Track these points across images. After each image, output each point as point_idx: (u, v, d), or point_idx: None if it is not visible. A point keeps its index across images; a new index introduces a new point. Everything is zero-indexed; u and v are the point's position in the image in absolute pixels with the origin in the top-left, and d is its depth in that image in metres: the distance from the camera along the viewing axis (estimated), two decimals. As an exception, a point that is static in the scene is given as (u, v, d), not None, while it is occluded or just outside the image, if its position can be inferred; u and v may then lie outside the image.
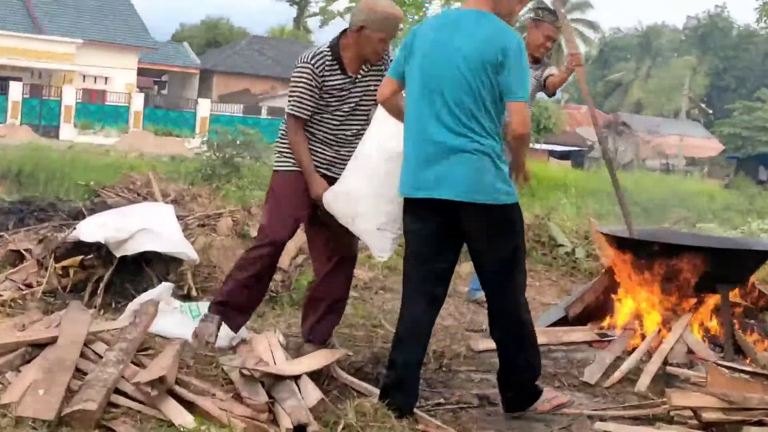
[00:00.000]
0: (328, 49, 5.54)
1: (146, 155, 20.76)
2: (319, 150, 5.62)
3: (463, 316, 7.62)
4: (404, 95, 4.97)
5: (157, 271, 6.87)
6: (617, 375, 5.85)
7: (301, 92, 5.48)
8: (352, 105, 5.61)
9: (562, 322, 6.91)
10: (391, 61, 5.56)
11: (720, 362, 5.57)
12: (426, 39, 4.78)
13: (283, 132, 5.70)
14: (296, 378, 4.70)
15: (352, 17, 5.55)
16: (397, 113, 5.02)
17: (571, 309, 6.97)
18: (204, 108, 45.98)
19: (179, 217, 7.36)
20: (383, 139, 5.28)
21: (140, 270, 6.86)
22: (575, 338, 6.55)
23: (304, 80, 5.47)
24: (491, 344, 6.28)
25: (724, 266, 6.51)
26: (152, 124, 43.13)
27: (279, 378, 4.62)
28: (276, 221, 5.62)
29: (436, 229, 4.81)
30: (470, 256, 5.01)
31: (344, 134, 5.64)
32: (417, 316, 4.87)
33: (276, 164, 5.76)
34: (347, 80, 5.56)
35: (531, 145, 5.31)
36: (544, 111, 40.82)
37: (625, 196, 7.06)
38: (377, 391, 4.91)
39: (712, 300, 6.57)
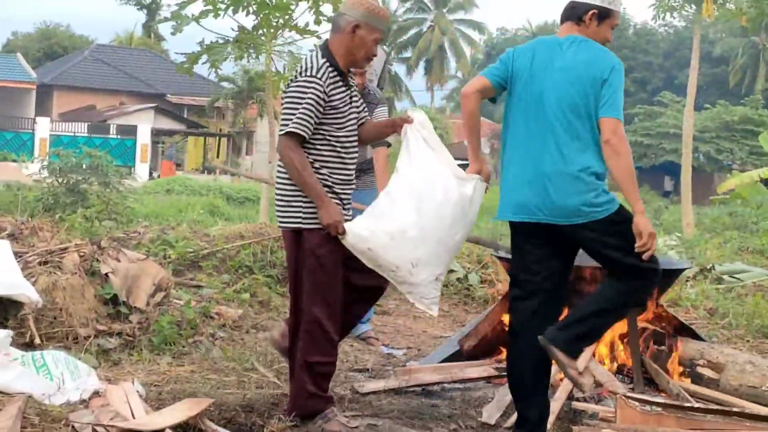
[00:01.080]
0: (325, 60, 5.37)
1: (-24, 184, 20.32)
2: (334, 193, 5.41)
3: (345, 354, 7.59)
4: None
5: (-8, 317, 6.71)
6: (519, 413, 5.91)
7: (307, 109, 5.24)
8: (354, 122, 5.50)
9: (456, 357, 6.97)
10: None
11: (630, 395, 5.67)
12: (525, 60, 5.17)
13: (285, 175, 5.41)
14: (159, 433, 4.65)
15: (340, 18, 5.45)
16: (470, 114, 5.26)
17: (465, 342, 7.01)
18: (43, 128, 45.15)
19: (17, 254, 7.20)
20: (452, 179, 5.37)
21: (-28, 316, 6.68)
22: (472, 374, 6.60)
23: (311, 96, 5.26)
24: (378, 385, 6.32)
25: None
26: (-18, 149, 42.28)
27: (139, 434, 4.57)
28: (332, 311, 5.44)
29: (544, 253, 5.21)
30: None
31: (353, 165, 5.50)
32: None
33: (300, 219, 5.41)
34: (347, 92, 5.47)
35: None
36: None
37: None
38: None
39: (620, 325, 6.68)
